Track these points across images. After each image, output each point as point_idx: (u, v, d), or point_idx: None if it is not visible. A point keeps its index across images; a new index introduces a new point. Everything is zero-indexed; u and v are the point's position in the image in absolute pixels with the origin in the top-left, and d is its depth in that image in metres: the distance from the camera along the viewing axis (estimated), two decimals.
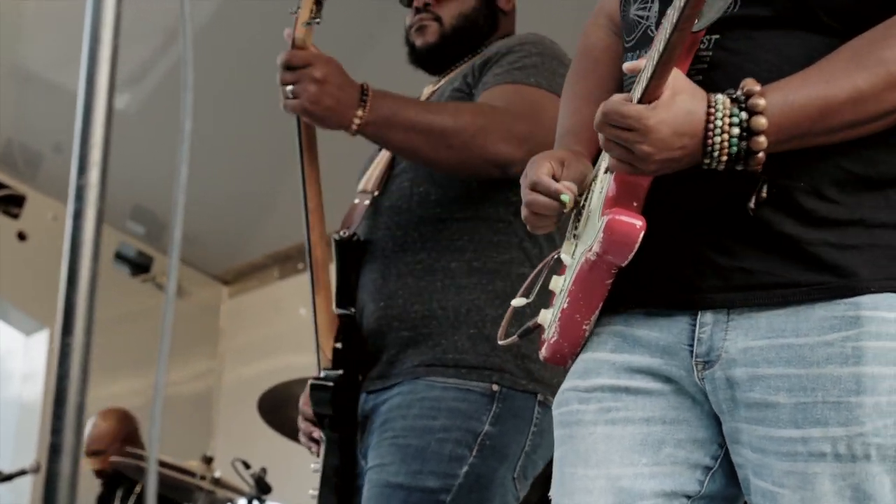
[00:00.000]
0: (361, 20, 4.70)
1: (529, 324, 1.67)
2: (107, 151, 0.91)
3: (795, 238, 1.46)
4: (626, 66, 1.48)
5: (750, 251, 1.47)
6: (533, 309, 1.71)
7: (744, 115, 1.37)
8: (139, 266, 6.98)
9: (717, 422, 1.54)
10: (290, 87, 2.19)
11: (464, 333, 2.25)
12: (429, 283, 2.29)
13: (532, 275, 1.71)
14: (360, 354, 2.36)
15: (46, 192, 6.60)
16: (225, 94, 5.57)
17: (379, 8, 4.55)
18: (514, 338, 1.71)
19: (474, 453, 2.20)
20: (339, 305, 2.38)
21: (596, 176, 1.59)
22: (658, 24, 1.58)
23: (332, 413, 2.34)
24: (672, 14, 1.33)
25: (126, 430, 5.48)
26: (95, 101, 0.91)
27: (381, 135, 2.25)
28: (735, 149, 1.38)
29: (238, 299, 7.26)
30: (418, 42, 2.55)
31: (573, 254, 1.59)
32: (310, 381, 2.36)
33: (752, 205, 1.44)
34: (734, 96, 1.39)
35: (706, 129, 1.38)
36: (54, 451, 0.85)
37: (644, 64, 1.40)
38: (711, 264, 1.49)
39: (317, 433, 2.41)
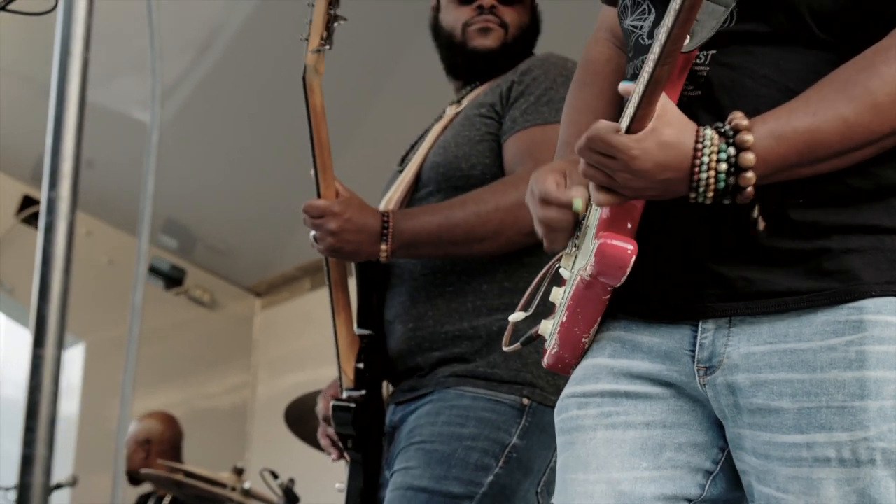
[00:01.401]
0: (382, 36, 4.72)
1: (531, 332, 1.68)
2: (77, 164, 0.91)
3: (797, 250, 1.45)
4: (621, 87, 1.47)
5: (750, 260, 1.47)
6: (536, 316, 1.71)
7: (731, 150, 1.36)
8: (172, 279, 7.02)
9: (718, 426, 1.53)
10: (312, 233, 2.28)
11: (496, 351, 2.26)
12: (460, 304, 2.31)
13: (532, 286, 1.71)
14: (383, 374, 2.38)
15: (80, 207, 6.51)
16: (258, 109, 5.60)
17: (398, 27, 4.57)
18: (517, 345, 1.72)
19: (500, 464, 2.21)
20: (360, 326, 2.41)
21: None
22: (651, 33, 1.59)
23: (355, 433, 2.37)
24: (655, 47, 1.33)
25: (171, 435, 5.49)
26: (66, 114, 0.92)
27: (412, 254, 2.30)
28: (722, 184, 1.37)
29: (271, 311, 7.29)
30: (477, 43, 2.50)
31: (572, 267, 1.59)
32: (332, 403, 2.39)
33: (756, 229, 1.43)
34: (722, 130, 1.38)
35: (693, 165, 1.38)
36: (26, 463, 0.85)
37: (633, 90, 1.40)
38: (712, 273, 1.49)
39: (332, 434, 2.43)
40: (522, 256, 2.30)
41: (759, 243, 1.46)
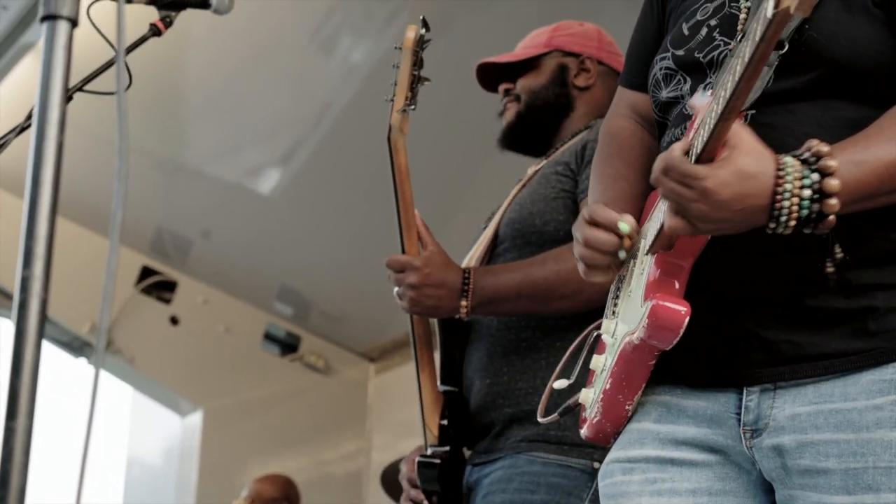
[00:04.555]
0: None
1: (570, 402, 1.67)
2: (51, 244, 0.93)
3: (842, 310, 1.43)
4: (690, 102, 1.45)
5: (795, 324, 1.45)
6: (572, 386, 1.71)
7: (815, 176, 1.33)
8: (288, 346, 7.09)
9: (764, 491, 1.52)
10: (395, 289, 2.32)
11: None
12: (533, 360, 2.32)
13: (568, 352, 1.72)
14: (465, 431, 2.39)
15: (196, 276, 6.80)
16: (368, 177, 5.66)
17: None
18: (554, 416, 1.72)
19: None
20: (443, 382, 2.44)
21: (636, 254, 1.56)
22: (692, 92, 1.59)
23: (440, 490, 2.38)
24: (731, 79, 1.30)
25: (281, 496, 5.50)
26: (40, 196, 0.94)
27: (492, 311, 2.33)
28: (806, 212, 1.34)
29: (384, 376, 7.32)
30: (503, 124, 2.65)
31: (613, 333, 1.58)
32: (417, 459, 2.41)
33: (829, 267, 1.40)
34: (803, 157, 1.35)
35: (774, 193, 1.34)
36: None
37: (703, 118, 1.37)
38: (757, 339, 1.48)
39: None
40: (595, 314, 2.30)
41: (805, 303, 1.44)
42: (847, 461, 1.40)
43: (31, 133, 0.92)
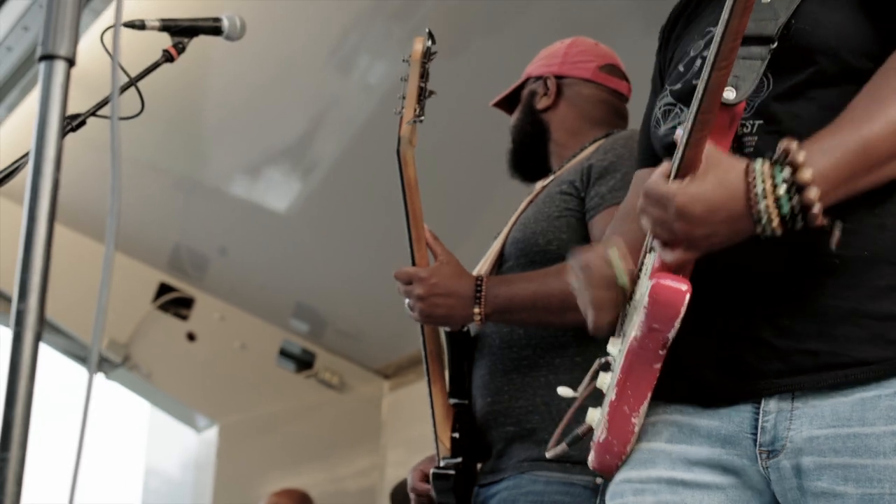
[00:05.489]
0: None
1: (578, 430, 1.64)
2: (45, 278, 0.96)
3: (861, 312, 1.43)
4: (676, 132, 1.47)
5: (812, 331, 1.44)
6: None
7: (787, 172, 1.34)
8: (303, 363, 7.12)
9: None
10: (406, 301, 2.33)
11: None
12: (533, 378, 2.33)
13: (588, 378, 1.67)
14: (475, 443, 2.41)
15: (213, 293, 6.83)
16: (384, 194, 5.68)
17: None
18: (562, 446, 1.69)
19: None
20: (452, 395, 2.45)
21: (640, 278, 1.57)
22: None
23: (455, 501, 2.39)
24: (697, 94, 1.33)
25: None
26: (36, 231, 0.97)
27: (505, 319, 2.33)
28: (786, 208, 1.34)
29: (398, 393, 7.33)
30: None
31: (620, 348, 1.57)
32: (432, 471, 2.42)
33: (833, 246, 1.38)
34: (774, 158, 1.37)
35: (748, 198, 1.35)
36: None
37: (679, 139, 1.39)
38: (772, 348, 1.46)
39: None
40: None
41: (820, 311, 1.43)
42: (864, 486, 1.39)
43: (28, 170, 0.95)
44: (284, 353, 7.05)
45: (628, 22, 4.25)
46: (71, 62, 1.00)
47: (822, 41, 1.48)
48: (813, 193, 1.34)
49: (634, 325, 1.48)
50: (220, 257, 6.67)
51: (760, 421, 1.48)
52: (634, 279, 1.56)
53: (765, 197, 1.34)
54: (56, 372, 7.08)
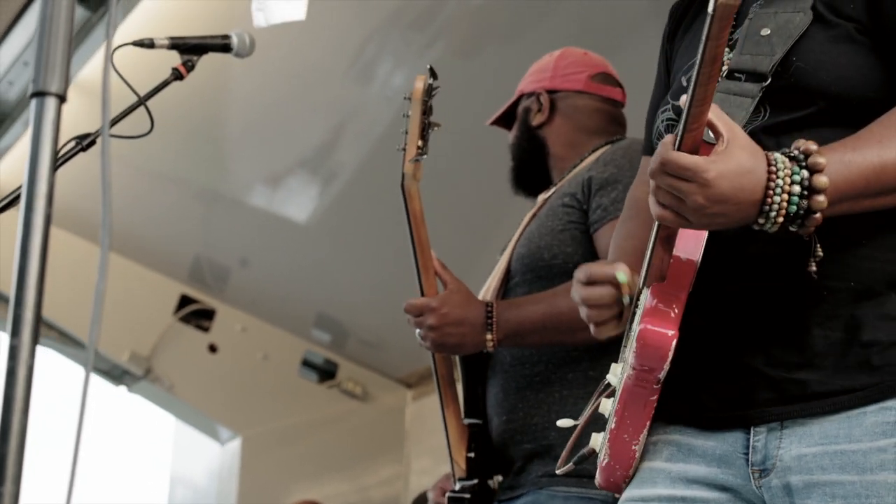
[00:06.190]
0: None
1: (584, 451, 1.68)
2: (40, 293, 0.95)
3: (846, 341, 1.44)
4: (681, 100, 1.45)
5: (801, 360, 1.47)
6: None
7: (805, 173, 1.35)
8: (326, 373, 7.12)
9: None
10: (417, 332, 2.36)
11: (585, 442, 2.27)
12: (547, 394, 2.35)
13: (592, 401, 1.71)
14: (491, 462, 2.41)
15: (235, 304, 6.84)
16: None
17: None
18: (569, 465, 1.73)
19: None
20: (467, 415, 2.46)
21: (640, 297, 1.57)
22: None
23: None
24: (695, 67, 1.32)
25: None
26: (28, 267, 0.96)
27: (517, 343, 2.35)
28: (794, 208, 1.35)
29: (421, 402, 7.32)
30: None
31: (619, 377, 1.60)
32: (448, 495, 2.44)
33: (812, 268, 1.41)
34: (792, 155, 1.37)
35: (766, 188, 1.36)
36: None
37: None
38: (764, 377, 1.49)
39: None
40: (608, 344, 2.32)
41: (808, 341, 1.45)
42: (852, 502, 1.42)
43: (21, 205, 0.95)
44: (307, 364, 7.06)
45: (645, 27, 4.22)
46: (62, 98, 0.99)
47: (823, 85, 1.49)
48: (822, 199, 1.35)
49: (629, 363, 1.51)
50: (241, 268, 6.68)
51: (752, 441, 1.52)
52: (638, 295, 1.57)
53: (781, 192, 1.35)
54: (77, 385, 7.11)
